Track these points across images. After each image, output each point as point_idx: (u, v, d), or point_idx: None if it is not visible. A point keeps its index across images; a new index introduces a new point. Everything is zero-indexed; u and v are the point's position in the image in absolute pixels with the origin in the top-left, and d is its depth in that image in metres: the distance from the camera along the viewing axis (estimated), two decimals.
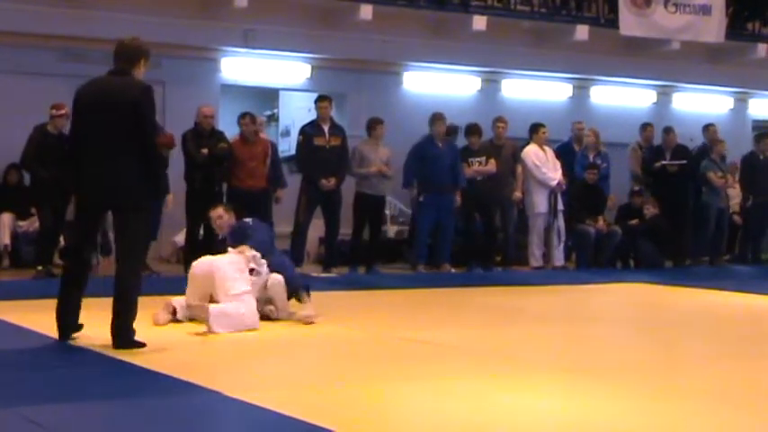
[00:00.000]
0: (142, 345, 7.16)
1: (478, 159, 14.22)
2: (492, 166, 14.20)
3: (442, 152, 13.83)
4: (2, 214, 13.04)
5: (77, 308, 7.35)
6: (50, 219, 12.23)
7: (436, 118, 13.93)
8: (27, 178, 12.90)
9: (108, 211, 7.48)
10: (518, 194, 14.57)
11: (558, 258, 14.60)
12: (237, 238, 8.98)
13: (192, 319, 8.36)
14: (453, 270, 13.98)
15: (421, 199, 13.80)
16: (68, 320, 7.33)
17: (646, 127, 16.26)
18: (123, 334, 7.12)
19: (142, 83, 7.34)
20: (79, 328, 7.37)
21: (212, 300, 8.34)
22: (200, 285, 8.46)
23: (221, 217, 9.35)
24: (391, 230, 15.56)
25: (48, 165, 12.07)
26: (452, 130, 14.91)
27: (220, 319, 8.03)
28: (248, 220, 9.38)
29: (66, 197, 12.33)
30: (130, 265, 7.28)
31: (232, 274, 8.39)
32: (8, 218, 13.03)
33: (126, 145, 7.12)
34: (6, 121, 13.16)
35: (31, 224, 12.95)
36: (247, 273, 8.51)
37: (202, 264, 8.56)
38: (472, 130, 14.34)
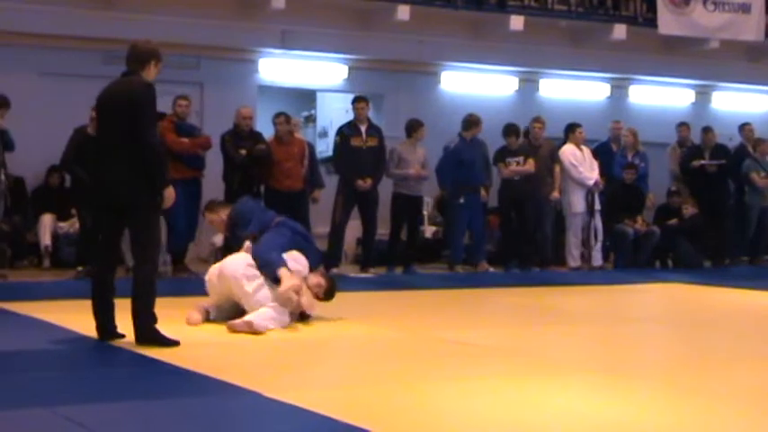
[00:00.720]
0: (173, 343, 7.22)
1: (516, 159, 14.23)
2: (530, 166, 14.19)
3: (474, 154, 13.87)
4: (43, 215, 13.17)
5: (111, 309, 7.43)
6: (90, 220, 12.32)
7: (475, 122, 13.94)
8: (69, 180, 13.02)
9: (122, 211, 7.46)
10: (556, 194, 14.52)
11: (596, 258, 14.55)
12: (233, 229, 9.03)
13: (227, 320, 8.41)
14: (491, 269, 13.99)
15: (461, 201, 13.82)
16: (104, 320, 7.42)
17: (681, 126, 16.19)
18: (143, 329, 7.23)
19: (144, 81, 7.43)
20: (119, 336, 7.42)
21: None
22: (219, 291, 8.48)
23: (212, 221, 9.41)
24: (428, 231, 15.56)
25: (87, 166, 12.18)
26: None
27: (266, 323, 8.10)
28: (231, 207, 9.39)
29: None
30: (143, 263, 7.38)
31: (248, 285, 8.29)
32: (49, 219, 13.15)
33: (127, 144, 7.25)
34: (49, 123, 13.28)
35: (72, 225, 13.06)
36: (258, 273, 8.39)
37: (213, 271, 8.55)
38: (510, 130, 14.35)
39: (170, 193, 7.40)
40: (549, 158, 14.59)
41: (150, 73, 7.50)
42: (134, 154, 7.24)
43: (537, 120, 14.84)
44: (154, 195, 7.32)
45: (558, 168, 14.51)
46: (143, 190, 7.29)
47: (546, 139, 14.88)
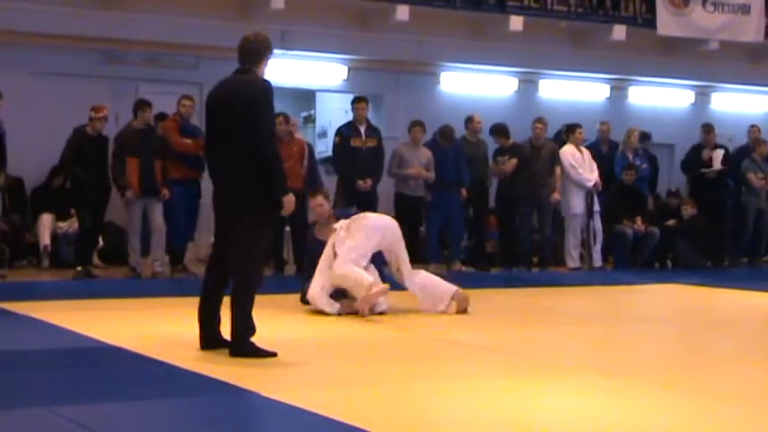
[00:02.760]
0: (269, 354, 6.90)
1: (502, 159, 14.35)
2: (509, 165, 14.28)
3: (446, 153, 13.85)
4: (42, 215, 13.15)
5: (215, 318, 7.11)
6: (89, 220, 12.33)
7: (448, 136, 13.94)
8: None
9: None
10: (556, 196, 14.50)
11: (596, 259, 14.55)
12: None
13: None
14: (464, 268, 13.96)
15: (428, 198, 13.88)
16: (208, 330, 7.11)
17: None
18: (236, 341, 6.91)
19: (260, 81, 7.02)
20: (224, 343, 7.02)
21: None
22: (380, 237, 9.24)
23: (322, 205, 9.79)
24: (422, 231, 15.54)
25: (86, 166, 12.17)
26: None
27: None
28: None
29: (105, 198, 12.48)
30: (239, 273, 6.96)
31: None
32: (48, 219, 13.13)
33: (240, 148, 6.84)
34: (48, 123, 13.26)
35: (71, 225, 13.05)
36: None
37: (383, 219, 9.52)
38: (498, 130, 14.49)
39: (290, 200, 6.96)
40: (550, 159, 14.59)
41: (264, 68, 7.07)
42: (246, 159, 6.82)
43: (539, 120, 14.85)
44: (266, 205, 6.90)
45: (558, 170, 14.51)
46: (251, 199, 6.88)
47: (548, 140, 14.89)
